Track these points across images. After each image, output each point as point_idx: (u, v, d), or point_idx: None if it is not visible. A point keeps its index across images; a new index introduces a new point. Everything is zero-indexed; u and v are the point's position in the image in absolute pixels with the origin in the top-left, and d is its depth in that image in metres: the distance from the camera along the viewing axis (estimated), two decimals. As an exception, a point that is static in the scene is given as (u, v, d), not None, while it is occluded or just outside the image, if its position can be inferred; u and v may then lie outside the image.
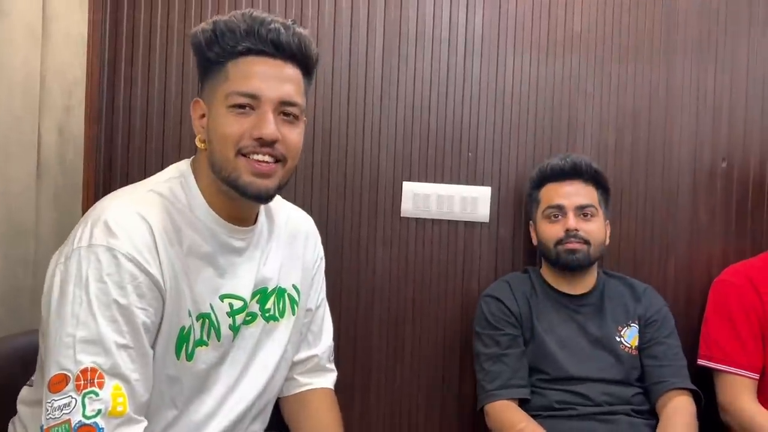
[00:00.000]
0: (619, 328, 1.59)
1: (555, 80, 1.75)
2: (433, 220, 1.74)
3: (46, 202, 1.43)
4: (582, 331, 1.58)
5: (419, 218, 1.73)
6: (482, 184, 1.74)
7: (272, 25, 1.03)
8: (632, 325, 1.60)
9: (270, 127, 1.02)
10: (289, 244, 1.23)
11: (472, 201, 1.74)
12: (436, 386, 1.74)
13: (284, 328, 1.20)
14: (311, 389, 1.29)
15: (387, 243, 1.73)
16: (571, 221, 1.56)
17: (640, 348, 1.59)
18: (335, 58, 1.71)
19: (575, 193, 1.59)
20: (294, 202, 1.69)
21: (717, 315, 1.63)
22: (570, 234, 1.55)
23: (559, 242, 1.56)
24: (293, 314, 1.22)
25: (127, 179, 1.66)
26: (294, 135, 1.07)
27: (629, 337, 1.59)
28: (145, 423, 0.98)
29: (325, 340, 1.32)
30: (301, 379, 1.28)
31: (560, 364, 1.54)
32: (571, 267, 1.57)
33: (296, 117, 1.07)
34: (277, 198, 1.23)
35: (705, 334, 1.65)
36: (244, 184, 1.04)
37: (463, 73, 1.74)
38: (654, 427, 1.50)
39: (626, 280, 1.67)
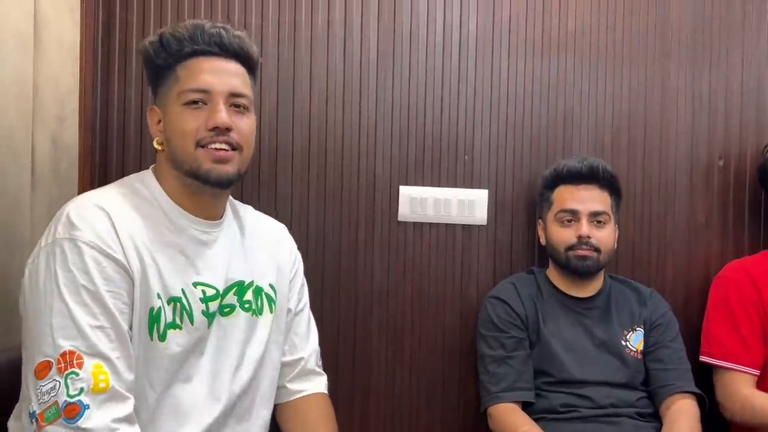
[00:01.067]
0: (625, 332, 1.59)
1: (550, 82, 1.75)
2: (430, 224, 1.73)
3: (41, 213, 1.41)
4: (588, 335, 1.57)
5: (416, 222, 1.73)
6: (479, 187, 1.74)
7: (213, 30, 1.13)
8: (638, 329, 1.60)
9: (222, 115, 1.10)
10: (261, 242, 1.28)
11: (469, 204, 1.73)
12: (435, 390, 1.73)
13: (264, 325, 1.24)
14: (304, 396, 1.31)
15: (384, 247, 1.72)
16: (584, 228, 1.55)
17: (645, 352, 1.58)
18: (329, 64, 1.70)
19: (590, 199, 1.57)
20: (290, 208, 1.70)
21: (717, 311, 1.63)
22: (582, 241, 1.55)
23: (570, 248, 1.56)
24: (271, 312, 1.26)
25: (122, 188, 1.65)
26: (246, 124, 1.15)
27: (635, 341, 1.59)
28: (132, 400, 1.03)
29: (311, 343, 1.35)
30: (292, 386, 1.31)
31: (566, 367, 1.53)
32: (581, 273, 1.57)
33: (246, 108, 1.15)
34: (248, 207, 1.32)
35: (706, 330, 1.65)
36: (205, 171, 1.11)
37: (458, 76, 1.73)
38: (658, 430, 1.49)
39: (631, 284, 1.67)
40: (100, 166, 1.66)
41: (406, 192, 1.72)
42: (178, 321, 1.11)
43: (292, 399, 1.31)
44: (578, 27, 1.75)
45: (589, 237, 1.54)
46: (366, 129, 1.72)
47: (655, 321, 1.60)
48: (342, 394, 1.67)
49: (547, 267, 1.67)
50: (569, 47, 1.75)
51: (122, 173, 1.66)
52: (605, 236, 1.57)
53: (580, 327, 1.58)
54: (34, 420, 0.98)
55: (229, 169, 1.12)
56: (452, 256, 1.74)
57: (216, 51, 1.13)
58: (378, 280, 1.72)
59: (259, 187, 1.68)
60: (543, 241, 1.66)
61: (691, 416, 1.48)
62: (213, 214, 1.19)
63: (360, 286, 1.72)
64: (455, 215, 1.73)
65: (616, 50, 1.76)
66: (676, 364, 1.57)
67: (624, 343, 1.57)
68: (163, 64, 1.13)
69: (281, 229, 1.37)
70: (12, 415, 1.12)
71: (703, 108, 1.78)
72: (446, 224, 1.74)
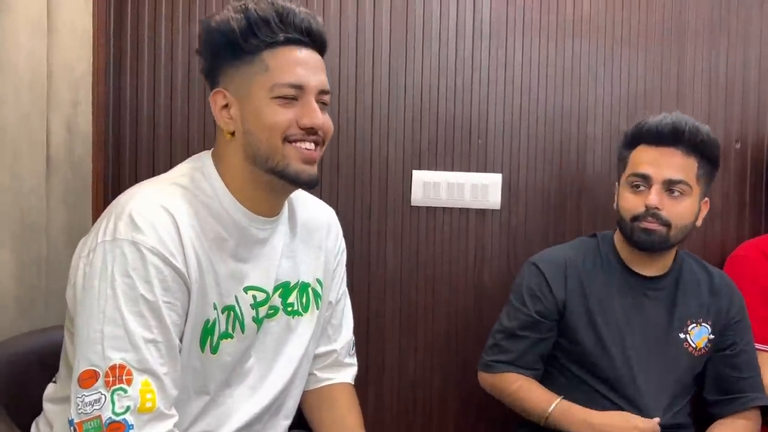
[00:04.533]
0: (689, 323, 1.42)
1: (564, 65, 1.73)
2: (443, 209, 1.73)
3: (57, 199, 1.42)
4: (644, 323, 1.40)
5: (430, 207, 1.72)
6: (493, 171, 1.73)
7: (303, 15, 1.06)
8: (703, 324, 1.42)
9: (319, 116, 1.05)
10: (311, 236, 1.22)
11: (482, 188, 1.73)
12: (449, 377, 1.74)
13: (308, 322, 1.20)
14: (330, 384, 1.28)
15: (398, 233, 1.72)
16: (653, 197, 1.33)
17: (715, 350, 1.43)
18: (341, 49, 1.69)
19: (667, 164, 1.34)
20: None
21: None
22: (650, 212, 1.34)
23: (636, 218, 1.36)
24: (317, 308, 1.22)
25: (136, 173, 1.66)
26: (329, 120, 1.09)
27: (697, 336, 1.41)
28: (175, 418, 0.99)
29: (344, 335, 1.31)
30: (320, 374, 1.28)
31: (604, 364, 1.38)
32: (643, 248, 1.38)
33: (327, 104, 1.10)
34: (298, 194, 1.23)
35: None
36: (295, 172, 1.05)
37: (472, 60, 1.72)
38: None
39: (705, 266, 1.49)
40: (114, 151, 1.67)
41: (419, 176, 1.71)
42: (230, 330, 1.07)
43: (318, 386, 1.27)
44: (593, 10, 1.73)
45: (657, 208, 1.33)
46: (378, 114, 1.71)
47: (733, 318, 1.43)
48: (356, 382, 1.68)
49: (615, 230, 1.48)
50: (584, 30, 1.73)
51: (135, 158, 1.67)
52: (680, 210, 1.34)
53: (636, 312, 1.40)
54: (72, 428, 0.95)
55: (315, 169, 1.07)
56: (465, 240, 1.74)
57: (305, 40, 1.06)
58: (391, 265, 1.72)
59: (272, 172, 1.68)
60: (615, 205, 1.47)
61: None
62: (274, 211, 1.13)
63: (373, 271, 1.72)
64: (469, 200, 1.73)
65: (631, 32, 1.74)
66: (752, 371, 1.43)
67: (683, 336, 1.41)
68: (248, 48, 1.03)
69: (330, 215, 1.30)
70: (46, 396, 1.11)
71: (720, 90, 1.76)
72: (459, 209, 1.73)
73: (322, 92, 1.08)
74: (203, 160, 1.11)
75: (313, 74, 1.06)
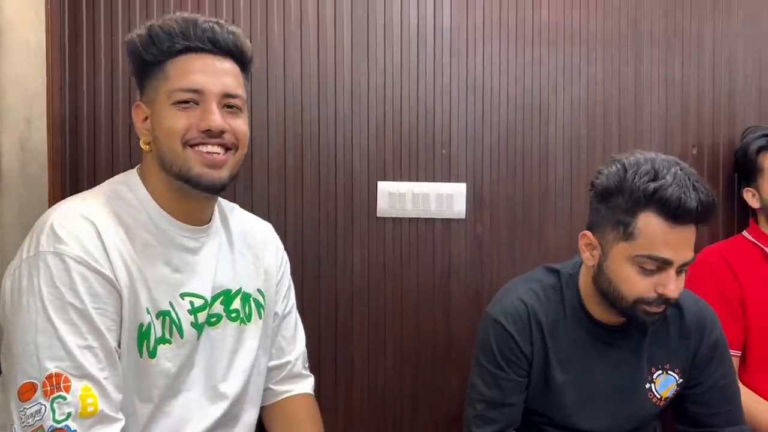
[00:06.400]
0: (653, 371, 1.30)
1: (525, 73, 1.75)
2: (409, 219, 1.73)
3: (11, 221, 1.38)
4: (609, 375, 1.29)
5: (395, 218, 1.72)
6: (457, 181, 1.74)
7: (206, 24, 1.08)
8: (670, 373, 1.30)
9: (216, 117, 1.05)
10: (248, 249, 1.24)
11: (447, 198, 1.73)
12: (419, 386, 1.74)
13: (254, 332, 1.21)
14: (290, 396, 1.29)
15: (364, 244, 1.71)
16: (673, 289, 1.16)
17: (682, 392, 1.33)
18: (303, 60, 1.68)
19: (686, 246, 1.15)
20: (268, 208, 1.68)
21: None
22: (662, 299, 1.17)
23: (643, 301, 1.18)
24: (260, 318, 1.23)
25: (95, 191, 1.62)
26: (239, 124, 1.10)
27: (662, 386, 1.30)
28: (122, 421, 1.00)
29: (298, 347, 1.33)
30: (278, 387, 1.29)
31: (572, 417, 1.29)
32: (642, 326, 1.24)
33: (239, 108, 1.11)
34: (235, 207, 1.28)
35: None
36: (196, 176, 1.06)
37: (434, 70, 1.72)
38: None
39: (678, 303, 1.29)
40: (71, 169, 1.63)
41: (384, 187, 1.71)
42: (167, 335, 1.08)
43: (277, 400, 1.29)
44: (551, 17, 1.75)
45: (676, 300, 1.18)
46: (342, 125, 1.70)
47: (703, 357, 1.30)
48: (325, 391, 1.67)
49: (579, 267, 1.31)
50: (543, 38, 1.75)
51: (93, 176, 1.63)
52: (683, 285, 1.20)
53: (601, 364, 1.29)
54: None
55: (222, 174, 1.08)
56: (432, 250, 1.74)
57: (209, 48, 1.07)
58: (358, 276, 1.71)
59: (234, 185, 1.65)
60: (592, 264, 1.24)
61: None
62: (201, 219, 1.15)
63: (340, 283, 1.71)
64: (434, 209, 1.73)
65: (590, 39, 1.76)
66: (724, 405, 1.31)
67: (648, 386, 1.30)
68: (151, 59, 1.07)
69: (267, 229, 1.33)
70: None
71: (676, 96, 1.80)
72: (425, 219, 1.73)
73: (228, 96, 1.08)
74: (128, 174, 1.14)
75: (213, 78, 1.06)
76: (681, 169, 1.15)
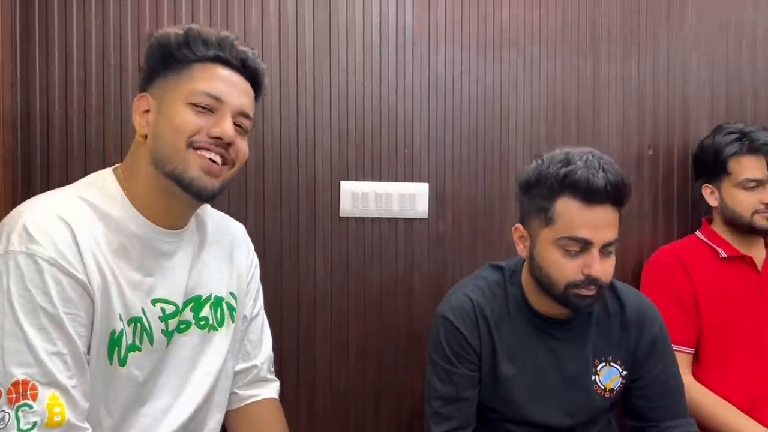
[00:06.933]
0: (597, 363, 1.34)
1: (486, 74, 1.76)
2: (372, 219, 1.73)
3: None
4: (557, 366, 1.33)
5: (358, 217, 1.72)
6: (420, 181, 1.74)
7: (241, 48, 1.11)
8: (612, 365, 1.34)
9: (229, 128, 1.06)
10: (221, 251, 1.22)
11: (410, 198, 1.74)
12: (382, 384, 1.74)
13: (224, 337, 1.19)
14: (255, 402, 1.27)
15: (327, 244, 1.71)
16: (597, 268, 1.20)
17: (627, 385, 1.36)
18: (265, 59, 1.66)
19: (605, 226, 1.21)
20: (228, 210, 1.65)
21: (649, 294, 1.69)
22: (589, 280, 1.22)
23: (572, 285, 1.22)
24: (233, 322, 1.21)
25: (48, 189, 1.57)
26: (243, 144, 1.11)
27: (605, 377, 1.34)
28: (88, 431, 0.97)
29: (264, 350, 1.31)
30: (243, 392, 1.27)
31: (523, 409, 1.32)
32: (577, 311, 1.28)
33: (246, 131, 1.12)
34: (205, 208, 1.24)
35: None
36: (190, 178, 1.04)
37: (396, 71, 1.72)
38: None
39: (619, 295, 1.36)
40: (23, 166, 1.58)
41: (347, 187, 1.71)
42: (137, 343, 1.05)
43: (242, 405, 1.27)
44: (512, 19, 1.77)
45: (600, 278, 1.22)
46: (304, 126, 1.69)
47: (643, 351, 1.34)
48: (287, 393, 1.66)
49: (522, 264, 1.36)
50: (504, 40, 1.77)
51: (47, 173, 1.59)
52: (611, 267, 1.25)
53: (548, 356, 1.32)
54: None
55: (215, 183, 1.06)
56: (395, 249, 1.74)
57: (238, 66, 1.10)
58: (321, 277, 1.71)
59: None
60: (525, 256, 1.32)
61: None
62: (177, 223, 1.12)
63: (303, 284, 1.70)
64: (397, 209, 1.73)
65: (549, 42, 1.79)
66: (665, 398, 1.35)
67: (593, 378, 1.33)
68: (180, 57, 1.06)
69: (239, 230, 1.30)
70: None
71: (633, 98, 1.84)
72: (388, 218, 1.73)
73: (242, 115, 1.10)
74: (103, 174, 1.10)
75: (235, 94, 1.08)
76: (593, 156, 1.22)
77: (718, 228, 1.75)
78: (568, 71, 1.80)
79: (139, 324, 1.05)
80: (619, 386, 1.36)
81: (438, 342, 1.34)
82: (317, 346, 1.71)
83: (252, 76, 1.12)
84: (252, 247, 1.31)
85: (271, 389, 1.31)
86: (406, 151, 1.74)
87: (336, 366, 1.72)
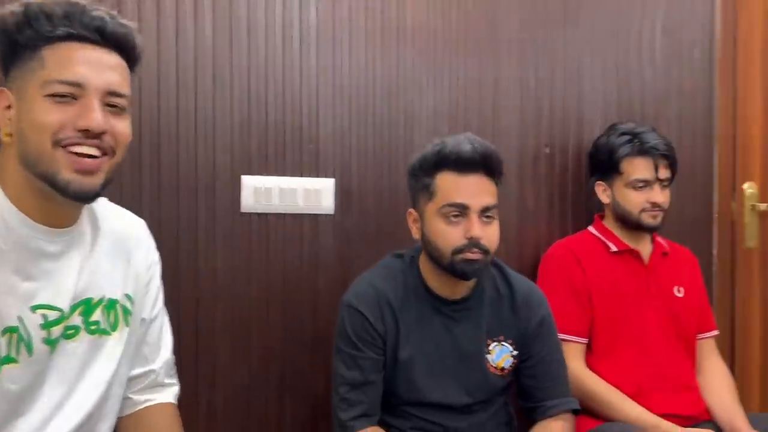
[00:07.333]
0: (489, 342, 1.43)
1: (390, 72, 1.78)
2: (276, 215, 1.70)
3: None
4: (454, 345, 1.41)
5: (261, 213, 1.69)
6: (325, 176, 1.73)
7: (95, 13, 0.97)
8: (503, 343, 1.44)
9: (97, 117, 0.95)
10: (118, 249, 1.14)
11: (315, 193, 1.73)
12: (285, 381, 1.71)
13: (117, 341, 1.12)
14: (149, 406, 1.20)
15: (228, 241, 1.67)
16: (477, 229, 1.33)
17: (518, 365, 1.46)
18: (161, 49, 1.60)
19: (480, 192, 1.37)
20: (120, 202, 1.58)
21: (545, 287, 1.75)
22: (472, 243, 1.34)
23: (458, 251, 1.34)
24: (127, 326, 1.13)
25: None
26: (122, 126, 1.00)
27: (497, 356, 1.43)
28: None
29: (163, 354, 1.23)
30: (137, 397, 1.19)
31: (424, 391, 1.40)
32: (467, 278, 1.38)
33: (123, 109, 1.01)
34: (101, 202, 1.14)
35: None
36: (63, 182, 0.95)
37: (300, 66, 1.71)
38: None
39: (509, 279, 1.49)
40: None
41: (249, 182, 1.68)
42: (13, 354, 0.96)
43: (135, 410, 1.19)
44: (415, 20, 1.80)
45: (481, 239, 1.34)
46: (203, 118, 1.64)
47: (531, 333, 1.45)
48: (185, 391, 1.59)
49: (421, 250, 1.45)
50: (408, 39, 1.79)
51: None
52: (495, 234, 1.38)
53: (446, 336, 1.41)
54: None
55: (95, 181, 0.97)
56: (300, 246, 1.72)
57: (96, 38, 0.97)
58: (221, 275, 1.66)
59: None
60: (418, 236, 1.44)
61: None
62: (63, 222, 1.03)
63: (202, 282, 1.64)
64: (302, 205, 1.72)
65: (451, 43, 1.83)
66: (551, 380, 1.46)
67: (486, 357, 1.42)
68: (24, 42, 0.95)
69: (139, 226, 1.21)
70: None
71: (531, 99, 1.91)
72: (293, 214, 1.72)
73: (112, 94, 0.99)
74: None
75: (97, 73, 0.97)
76: (465, 137, 1.38)
77: (609, 224, 1.84)
78: (470, 73, 1.84)
79: (14, 334, 0.97)
80: (510, 365, 1.45)
81: (343, 329, 1.40)
82: (218, 346, 1.66)
83: (117, 44, 1.00)
84: (153, 245, 1.23)
85: (168, 394, 1.23)
86: (311, 146, 1.72)
87: (238, 364, 1.68)
